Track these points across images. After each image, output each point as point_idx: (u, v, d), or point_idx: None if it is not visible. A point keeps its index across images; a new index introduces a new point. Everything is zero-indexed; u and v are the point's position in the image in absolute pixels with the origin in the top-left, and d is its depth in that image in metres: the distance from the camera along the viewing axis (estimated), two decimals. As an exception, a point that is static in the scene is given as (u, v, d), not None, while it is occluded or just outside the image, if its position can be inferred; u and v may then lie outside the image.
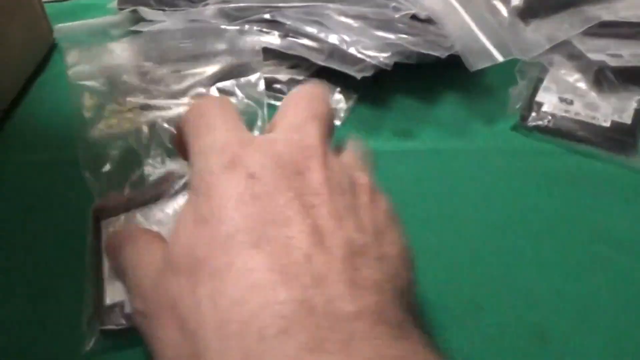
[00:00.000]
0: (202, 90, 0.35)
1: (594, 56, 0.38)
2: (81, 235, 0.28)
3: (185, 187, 0.29)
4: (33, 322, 0.27)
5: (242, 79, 0.34)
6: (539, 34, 0.40)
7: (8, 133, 0.39)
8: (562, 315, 0.27)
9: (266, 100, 0.33)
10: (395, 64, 0.38)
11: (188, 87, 0.35)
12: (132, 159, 0.31)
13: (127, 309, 0.25)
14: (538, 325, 0.27)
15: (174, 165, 0.30)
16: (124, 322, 0.25)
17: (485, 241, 0.31)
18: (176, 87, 0.36)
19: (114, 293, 0.26)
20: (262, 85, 0.34)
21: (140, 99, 0.34)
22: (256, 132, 0.32)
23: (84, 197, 0.29)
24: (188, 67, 0.37)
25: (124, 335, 0.25)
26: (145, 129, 0.32)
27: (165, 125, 0.32)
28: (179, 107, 0.34)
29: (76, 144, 0.31)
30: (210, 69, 0.36)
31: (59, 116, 0.39)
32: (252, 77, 0.34)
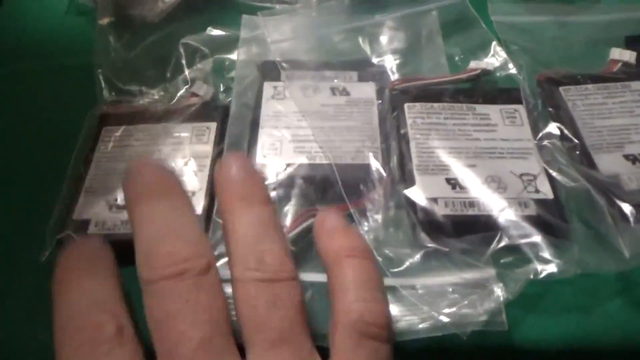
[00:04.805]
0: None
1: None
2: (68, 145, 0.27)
3: (197, 114, 0.27)
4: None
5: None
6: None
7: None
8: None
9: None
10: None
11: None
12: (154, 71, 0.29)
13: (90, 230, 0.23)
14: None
15: (196, 89, 0.28)
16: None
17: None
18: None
19: (84, 208, 0.24)
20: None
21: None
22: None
23: (75, 106, 0.29)
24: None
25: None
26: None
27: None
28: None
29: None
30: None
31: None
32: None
